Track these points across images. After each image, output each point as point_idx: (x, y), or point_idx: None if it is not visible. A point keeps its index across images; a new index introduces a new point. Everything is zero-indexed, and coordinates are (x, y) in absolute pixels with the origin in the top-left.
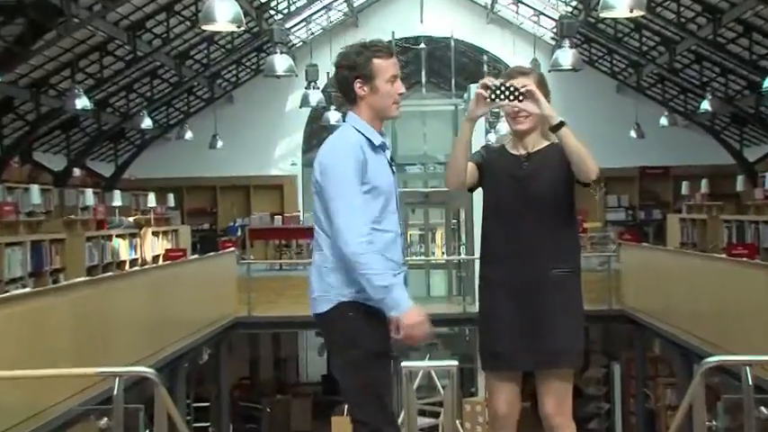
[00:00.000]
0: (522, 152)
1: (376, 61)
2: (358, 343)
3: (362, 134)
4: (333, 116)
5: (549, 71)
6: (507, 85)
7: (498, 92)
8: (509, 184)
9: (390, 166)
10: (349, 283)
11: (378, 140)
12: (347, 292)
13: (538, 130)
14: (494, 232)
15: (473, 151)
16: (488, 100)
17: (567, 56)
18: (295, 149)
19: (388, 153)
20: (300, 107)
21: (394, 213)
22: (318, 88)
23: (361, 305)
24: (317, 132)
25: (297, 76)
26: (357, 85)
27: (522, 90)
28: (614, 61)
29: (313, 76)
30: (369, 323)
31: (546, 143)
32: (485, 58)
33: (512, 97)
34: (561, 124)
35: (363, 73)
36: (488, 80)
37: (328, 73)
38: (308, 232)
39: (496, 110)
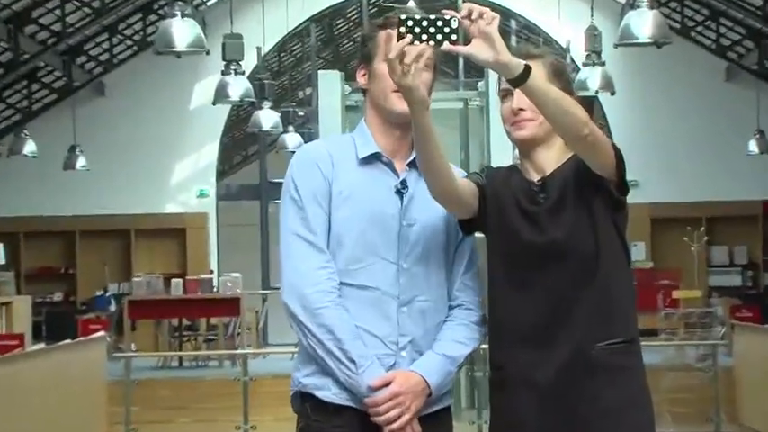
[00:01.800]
0: (536, 176)
1: (381, 33)
2: None
3: (354, 142)
4: (266, 117)
5: (617, 46)
6: (433, 17)
7: (418, 29)
8: (521, 226)
9: (400, 191)
10: (303, 360)
11: (367, 150)
12: (301, 375)
13: (556, 139)
14: (505, 299)
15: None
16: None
17: (644, 21)
18: (205, 171)
19: (406, 174)
20: (215, 103)
21: (388, 263)
22: (243, 73)
23: (318, 401)
24: (241, 143)
25: (209, 53)
26: (360, 73)
27: (458, 20)
28: (722, 30)
29: (235, 54)
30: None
31: (567, 156)
32: (512, 24)
33: (439, 37)
34: (527, 71)
35: (364, 54)
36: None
37: (259, 48)
38: (228, 305)
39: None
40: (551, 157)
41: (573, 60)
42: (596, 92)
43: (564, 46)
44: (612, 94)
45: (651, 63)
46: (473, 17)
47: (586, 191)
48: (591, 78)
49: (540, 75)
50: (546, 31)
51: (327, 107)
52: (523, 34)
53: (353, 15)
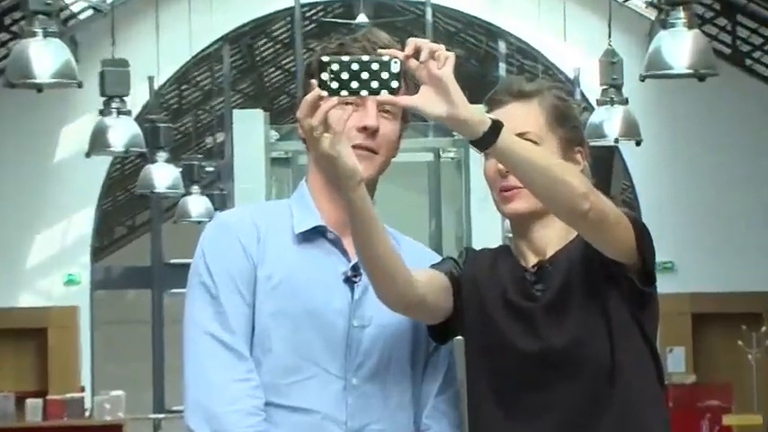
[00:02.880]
0: (532, 260)
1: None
2: None
3: (290, 211)
4: (162, 173)
5: (643, 78)
6: (366, 59)
7: (346, 75)
8: (510, 329)
9: (351, 280)
10: None
11: (308, 222)
12: None
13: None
14: (490, 426)
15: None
16: (326, 96)
17: (681, 45)
18: (76, 248)
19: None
20: (90, 154)
21: (332, 377)
22: (129, 113)
23: None
24: (126, 210)
25: (81, 86)
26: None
27: (400, 62)
28: None
29: (118, 87)
30: None
31: (572, 236)
32: (501, 47)
33: (375, 84)
34: (496, 128)
35: (308, 91)
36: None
37: (152, 79)
38: None
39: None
40: (552, 235)
41: (584, 96)
42: (616, 140)
43: (571, 77)
44: (638, 143)
45: (691, 101)
46: (421, 58)
47: (598, 280)
48: (608, 122)
49: (533, 122)
50: (546, 56)
51: (246, 160)
52: (515, 60)
53: (282, 34)
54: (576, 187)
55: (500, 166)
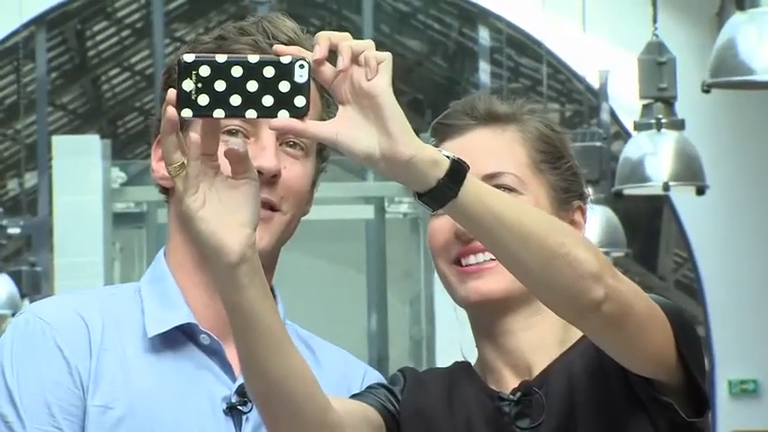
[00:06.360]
0: (511, 381)
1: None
2: None
3: (140, 299)
4: None
5: (708, 88)
6: (255, 61)
7: (223, 85)
8: None
9: (237, 408)
10: None
11: (168, 318)
12: None
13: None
14: None
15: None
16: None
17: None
18: None
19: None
20: None
21: None
22: None
23: None
24: None
25: None
26: (158, 153)
27: (308, 66)
28: None
29: None
30: None
31: (568, 346)
32: (483, 38)
33: (268, 101)
34: (458, 173)
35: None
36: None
37: None
38: None
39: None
40: (542, 337)
41: (615, 116)
42: (665, 186)
43: (595, 85)
44: (701, 191)
45: None
46: (342, 64)
47: (617, 408)
48: (653, 157)
49: (510, 159)
50: (556, 53)
51: (73, 217)
52: (505, 59)
53: (131, 15)
54: (584, 263)
55: (459, 226)
